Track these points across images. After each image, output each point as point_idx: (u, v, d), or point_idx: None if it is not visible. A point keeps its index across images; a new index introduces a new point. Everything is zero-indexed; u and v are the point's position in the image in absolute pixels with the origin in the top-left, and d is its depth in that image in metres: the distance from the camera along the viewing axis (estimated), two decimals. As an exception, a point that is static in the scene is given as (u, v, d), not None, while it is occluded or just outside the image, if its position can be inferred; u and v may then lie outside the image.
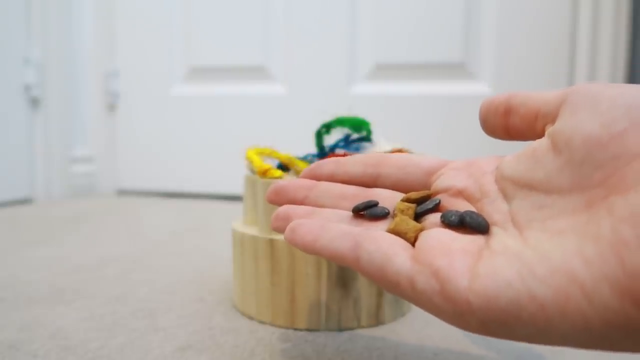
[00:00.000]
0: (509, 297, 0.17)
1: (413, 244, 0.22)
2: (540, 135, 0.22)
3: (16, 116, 0.96)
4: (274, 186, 0.28)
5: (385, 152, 0.39)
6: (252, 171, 0.40)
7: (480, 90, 0.93)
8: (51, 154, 1.02)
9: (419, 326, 0.37)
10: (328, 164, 0.29)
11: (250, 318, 0.38)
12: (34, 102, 0.99)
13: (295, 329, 0.36)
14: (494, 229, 0.21)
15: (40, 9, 0.98)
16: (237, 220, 0.43)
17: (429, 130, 0.95)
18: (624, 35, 0.85)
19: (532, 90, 0.23)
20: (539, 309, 0.17)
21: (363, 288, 0.36)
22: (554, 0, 0.89)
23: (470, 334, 0.35)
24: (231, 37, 1.04)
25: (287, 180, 0.28)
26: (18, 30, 0.95)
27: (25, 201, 0.98)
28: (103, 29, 1.09)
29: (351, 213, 0.26)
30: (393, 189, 0.27)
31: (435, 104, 0.95)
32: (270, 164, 0.39)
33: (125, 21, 1.09)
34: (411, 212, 0.24)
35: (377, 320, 0.37)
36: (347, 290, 0.36)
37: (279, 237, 0.36)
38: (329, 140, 0.42)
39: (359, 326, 0.36)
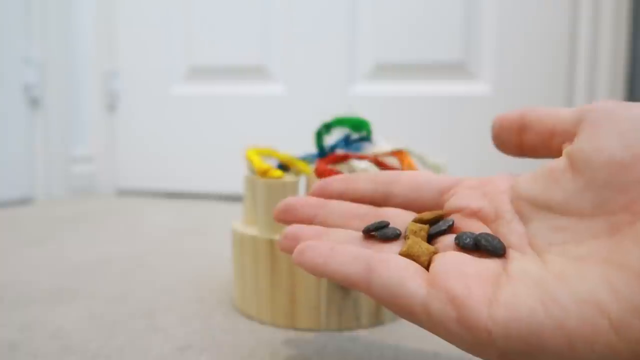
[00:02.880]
0: (531, 327, 0.17)
1: (427, 267, 0.21)
2: (555, 153, 0.21)
3: (16, 116, 0.96)
4: (282, 204, 0.27)
5: (384, 153, 0.40)
6: (252, 171, 0.40)
7: (480, 90, 0.93)
8: (51, 154, 1.02)
9: (419, 326, 0.37)
10: (337, 182, 0.28)
11: (250, 318, 0.38)
12: (34, 102, 0.99)
13: (296, 329, 0.36)
14: (511, 252, 0.20)
15: (40, 9, 0.97)
16: (237, 220, 0.43)
17: (429, 130, 0.95)
18: (624, 35, 0.85)
19: (547, 107, 0.22)
20: (564, 340, 0.16)
21: (363, 288, 0.36)
22: (554, 0, 0.89)
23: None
24: (231, 36, 1.04)
25: (296, 198, 0.27)
26: (18, 30, 0.95)
27: (25, 201, 0.98)
28: (103, 29, 1.09)
29: (361, 234, 0.25)
30: (404, 208, 0.26)
31: (435, 104, 0.95)
32: (270, 164, 0.39)
33: (125, 21, 1.09)
34: (424, 233, 0.23)
35: (377, 320, 0.37)
36: (347, 290, 0.36)
37: (279, 237, 0.36)
38: (329, 140, 0.42)
39: (359, 326, 0.36)
